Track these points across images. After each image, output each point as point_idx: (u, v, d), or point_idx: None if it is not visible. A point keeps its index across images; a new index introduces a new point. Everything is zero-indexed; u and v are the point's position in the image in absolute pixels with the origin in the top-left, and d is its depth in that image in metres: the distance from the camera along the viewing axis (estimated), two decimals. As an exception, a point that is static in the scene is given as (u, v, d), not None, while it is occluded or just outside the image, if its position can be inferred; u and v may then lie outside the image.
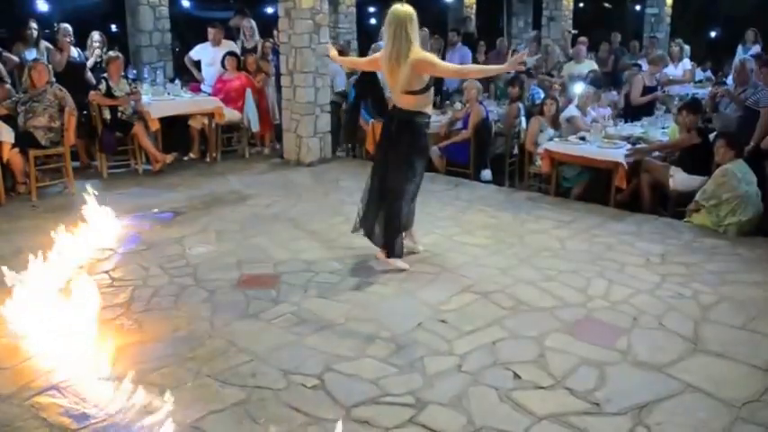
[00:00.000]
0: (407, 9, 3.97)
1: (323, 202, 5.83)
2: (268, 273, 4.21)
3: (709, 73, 10.73)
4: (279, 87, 7.65)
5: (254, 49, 8.26)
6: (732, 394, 2.82)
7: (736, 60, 7.27)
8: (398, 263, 4.26)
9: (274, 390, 2.86)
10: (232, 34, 8.58)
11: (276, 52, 7.88)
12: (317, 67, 7.15)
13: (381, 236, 4.30)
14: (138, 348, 3.22)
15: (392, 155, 4.17)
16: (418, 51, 3.97)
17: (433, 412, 2.71)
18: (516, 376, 2.98)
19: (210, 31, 7.94)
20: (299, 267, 4.29)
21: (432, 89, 4.17)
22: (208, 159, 7.53)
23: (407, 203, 4.31)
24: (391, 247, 4.26)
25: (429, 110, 4.22)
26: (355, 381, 2.94)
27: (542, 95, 7.61)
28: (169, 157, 6.99)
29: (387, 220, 4.25)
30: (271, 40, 8.40)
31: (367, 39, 10.88)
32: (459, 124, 7.10)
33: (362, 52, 8.77)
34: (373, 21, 18.33)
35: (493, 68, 4.76)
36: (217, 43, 7.95)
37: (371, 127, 6.95)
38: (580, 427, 2.61)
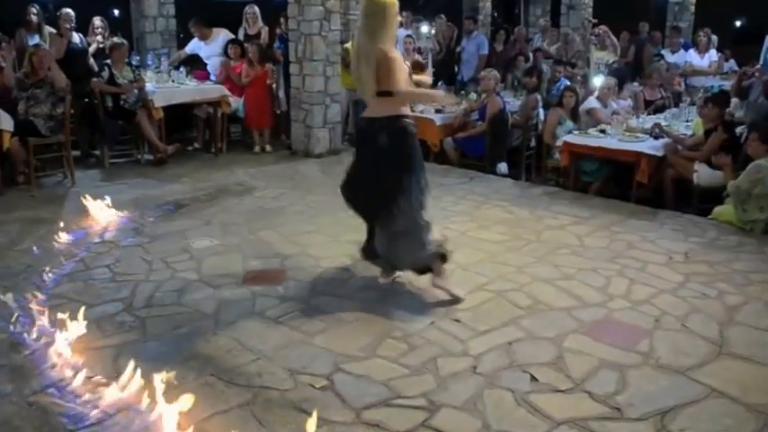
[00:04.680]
0: None
1: (332, 195, 5.67)
2: (275, 268, 4.13)
3: (733, 64, 10.52)
4: (287, 76, 7.51)
5: (258, 36, 8.08)
6: (759, 399, 2.74)
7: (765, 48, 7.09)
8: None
9: (281, 390, 2.79)
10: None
11: (283, 39, 7.73)
12: (328, 55, 7.02)
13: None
14: (140, 346, 3.15)
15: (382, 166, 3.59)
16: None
17: (447, 415, 2.64)
18: (533, 379, 2.90)
19: (191, 28, 7.81)
20: (307, 263, 4.21)
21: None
22: (213, 150, 7.43)
23: None
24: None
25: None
26: (365, 382, 2.87)
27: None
28: (171, 148, 6.87)
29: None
30: (282, 26, 8.24)
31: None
32: (474, 115, 6.96)
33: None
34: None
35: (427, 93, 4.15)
36: (204, 37, 7.80)
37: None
38: (600, 433, 2.52)
